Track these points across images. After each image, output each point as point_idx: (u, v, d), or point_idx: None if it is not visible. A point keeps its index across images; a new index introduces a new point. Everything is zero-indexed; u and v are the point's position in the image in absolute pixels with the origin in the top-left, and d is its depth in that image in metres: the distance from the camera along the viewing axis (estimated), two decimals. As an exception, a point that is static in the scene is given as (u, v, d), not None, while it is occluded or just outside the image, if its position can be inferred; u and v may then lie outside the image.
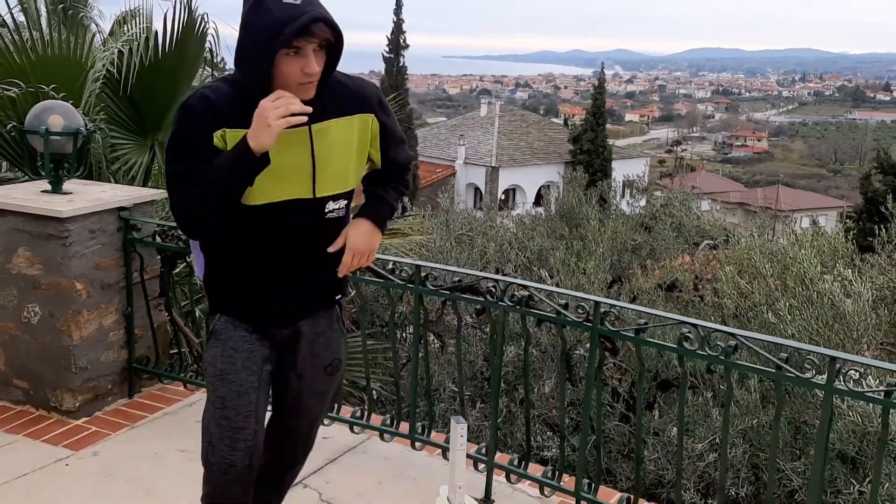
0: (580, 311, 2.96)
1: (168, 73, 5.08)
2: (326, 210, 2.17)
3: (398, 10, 36.37)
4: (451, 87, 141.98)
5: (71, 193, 3.79)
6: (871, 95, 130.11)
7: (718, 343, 2.66)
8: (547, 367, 5.66)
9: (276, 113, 1.94)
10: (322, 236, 2.21)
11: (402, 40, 36.23)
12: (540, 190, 36.98)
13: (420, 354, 3.45)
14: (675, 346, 2.74)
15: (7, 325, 3.75)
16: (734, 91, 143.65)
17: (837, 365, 2.44)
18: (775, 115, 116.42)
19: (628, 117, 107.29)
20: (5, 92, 4.29)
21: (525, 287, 3.09)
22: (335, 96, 2.14)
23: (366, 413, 3.65)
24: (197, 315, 4.78)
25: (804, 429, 4.89)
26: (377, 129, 2.25)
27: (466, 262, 6.50)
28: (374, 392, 3.99)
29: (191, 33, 5.10)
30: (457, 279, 3.25)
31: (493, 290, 3.15)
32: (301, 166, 2.11)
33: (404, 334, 6.41)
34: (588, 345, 3.04)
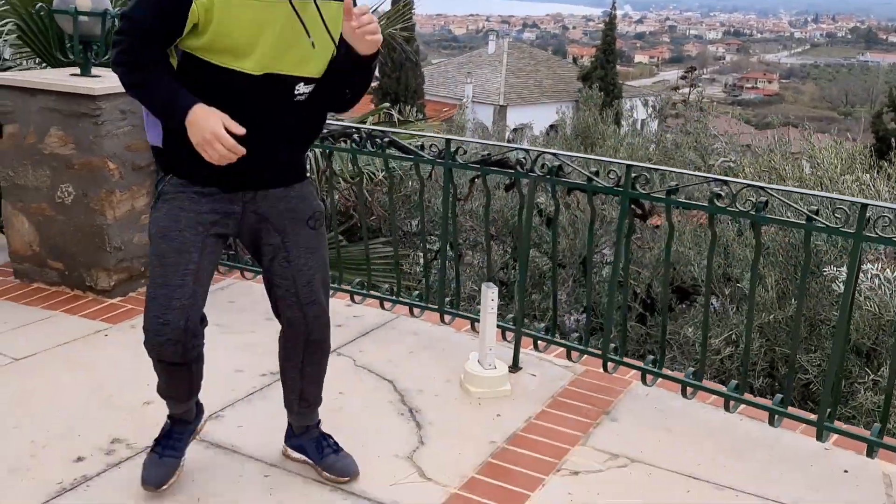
0: (611, 176, 3.01)
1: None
2: (297, 92, 2.11)
3: (405, -56, 35.62)
4: (457, 27, 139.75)
5: (101, 76, 3.82)
6: (884, 37, 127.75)
7: (750, 199, 2.70)
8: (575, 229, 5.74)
9: (214, 152, 1.98)
10: (287, 116, 2.14)
11: (408, -26, 35.56)
12: (549, 129, 36.80)
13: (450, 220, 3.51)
14: (707, 204, 2.78)
15: (41, 205, 3.81)
16: (745, 32, 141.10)
17: (868, 213, 2.48)
18: (787, 57, 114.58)
19: (638, 58, 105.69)
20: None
21: (556, 156, 3.13)
22: None
23: (395, 291, 3.74)
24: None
25: (820, 327, 4.97)
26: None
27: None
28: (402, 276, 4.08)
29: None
30: (486, 152, 3.29)
31: (523, 161, 3.19)
32: (293, 40, 2.03)
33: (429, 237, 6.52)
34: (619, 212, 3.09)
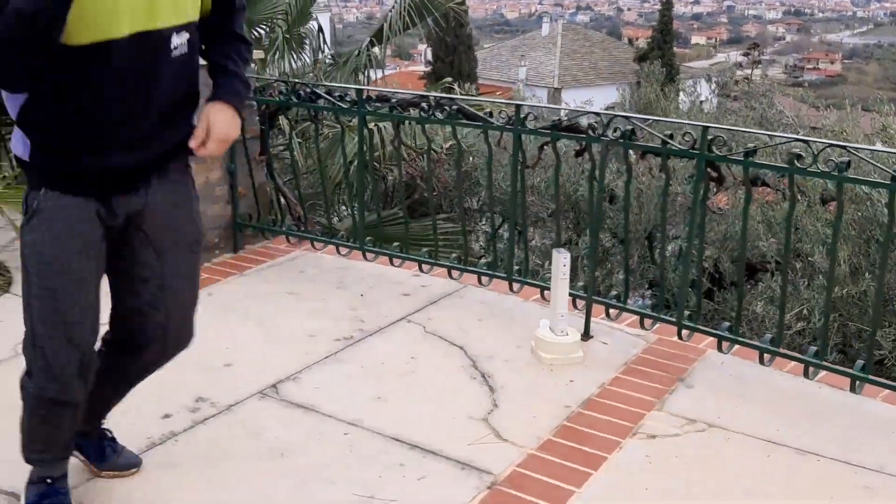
0: (686, 138, 2.96)
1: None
2: (172, 47, 1.81)
3: (458, -73, 35.45)
4: (510, 11, 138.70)
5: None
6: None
7: (831, 159, 2.64)
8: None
9: None
10: (168, 80, 1.83)
11: (461, -42, 35.41)
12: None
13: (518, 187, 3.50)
14: (787, 165, 2.73)
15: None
16: (806, 11, 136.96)
17: (960, 171, 2.40)
18: (849, 37, 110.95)
19: (695, 40, 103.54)
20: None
21: (628, 118, 3.09)
22: None
23: (463, 259, 3.75)
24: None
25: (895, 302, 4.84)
26: None
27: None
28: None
29: None
30: (556, 118, 3.27)
31: (594, 126, 3.17)
32: None
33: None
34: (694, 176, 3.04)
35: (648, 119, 3.11)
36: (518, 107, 3.30)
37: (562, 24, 41.48)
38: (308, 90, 3.78)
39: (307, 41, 5.90)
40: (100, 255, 1.91)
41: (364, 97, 3.66)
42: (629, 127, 3.06)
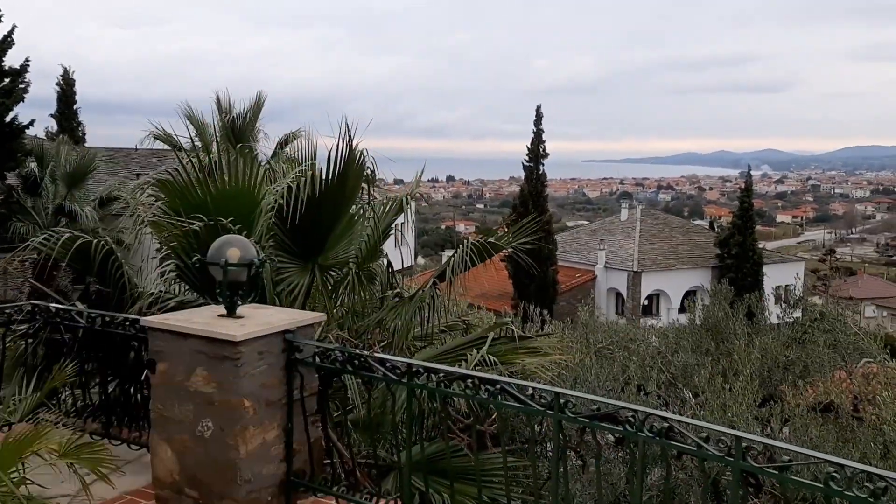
0: (721, 444, 2.97)
1: (330, 202, 5.59)
2: None
3: (538, 121, 37.37)
4: (591, 190, 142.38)
5: (243, 318, 4.21)
6: None
7: (867, 484, 2.60)
8: (693, 491, 5.51)
9: None
10: None
11: (541, 149, 37.06)
12: (685, 296, 36.08)
13: (560, 471, 3.52)
14: (822, 485, 2.69)
15: (183, 437, 4.14)
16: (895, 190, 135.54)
17: None
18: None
19: (780, 218, 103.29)
20: (191, 225, 4.85)
21: (665, 419, 3.14)
22: None
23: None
24: (347, 426, 5.06)
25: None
26: None
27: (607, 379, 6.50)
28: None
29: (351, 166, 5.61)
30: (595, 407, 3.34)
31: (631, 419, 3.22)
32: None
33: (543, 449, 6.43)
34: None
35: (684, 421, 3.14)
36: (557, 394, 3.39)
37: (641, 209, 42.18)
38: (362, 359, 3.99)
39: (377, 278, 6.23)
40: None
41: (413, 370, 3.83)
42: (665, 425, 3.10)
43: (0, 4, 17.70)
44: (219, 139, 16.26)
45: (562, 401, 3.39)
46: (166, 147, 19.37)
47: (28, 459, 3.87)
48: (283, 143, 17.53)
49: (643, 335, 9.24)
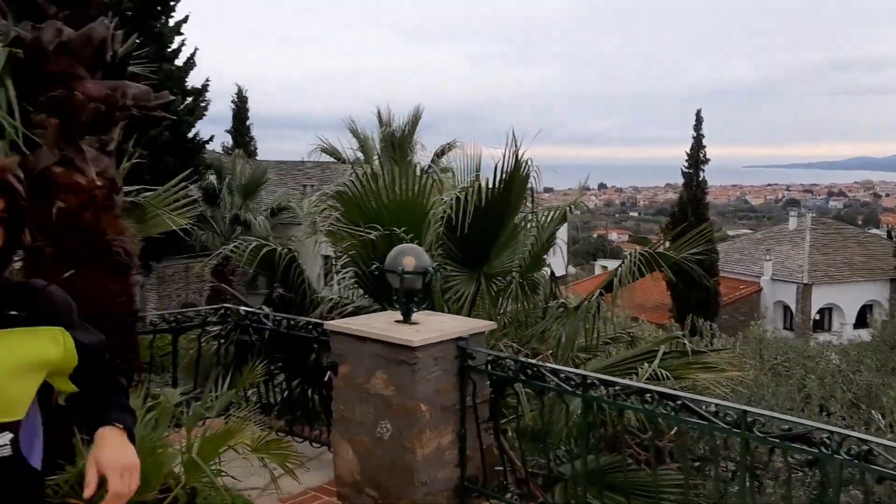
0: (932, 473, 2.76)
1: (496, 212, 5.66)
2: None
3: (698, 126, 36.04)
4: (754, 197, 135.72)
5: (418, 324, 4.35)
6: None
7: None
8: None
9: None
10: None
11: (702, 155, 35.69)
12: (862, 310, 33.60)
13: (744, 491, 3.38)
14: None
15: (363, 438, 4.32)
16: None
17: None
18: None
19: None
20: (367, 235, 5.06)
21: (864, 441, 2.95)
22: (9, 301, 1.76)
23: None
24: (509, 434, 5.09)
25: None
26: (71, 345, 1.83)
27: (785, 398, 6.17)
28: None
29: (517, 175, 5.66)
30: (786, 427, 3.19)
31: (827, 441, 3.05)
32: None
33: (711, 467, 6.19)
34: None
35: (885, 444, 2.94)
36: (744, 412, 3.27)
37: (811, 218, 39.71)
38: (535, 369, 4.01)
39: (540, 288, 6.24)
40: None
41: (588, 381, 3.81)
42: (864, 448, 2.92)
43: (183, 30, 19.19)
44: (380, 151, 16.89)
45: (749, 419, 3.26)
46: (331, 160, 20.31)
47: (223, 453, 4.17)
48: (439, 154, 17.97)
49: (821, 351, 8.70)
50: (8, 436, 1.74)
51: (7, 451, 1.73)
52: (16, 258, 4.01)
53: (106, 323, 3.86)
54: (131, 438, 1.81)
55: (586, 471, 4.05)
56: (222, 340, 5.61)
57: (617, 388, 3.76)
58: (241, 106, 31.97)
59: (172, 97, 3.99)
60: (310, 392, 5.71)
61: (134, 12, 16.07)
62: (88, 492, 1.65)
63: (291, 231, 18.93)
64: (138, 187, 4.41)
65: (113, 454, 1.72)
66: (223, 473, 4.16)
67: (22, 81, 3.54)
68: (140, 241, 4.11)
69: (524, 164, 5.76)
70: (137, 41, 4.18)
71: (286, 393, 5.60)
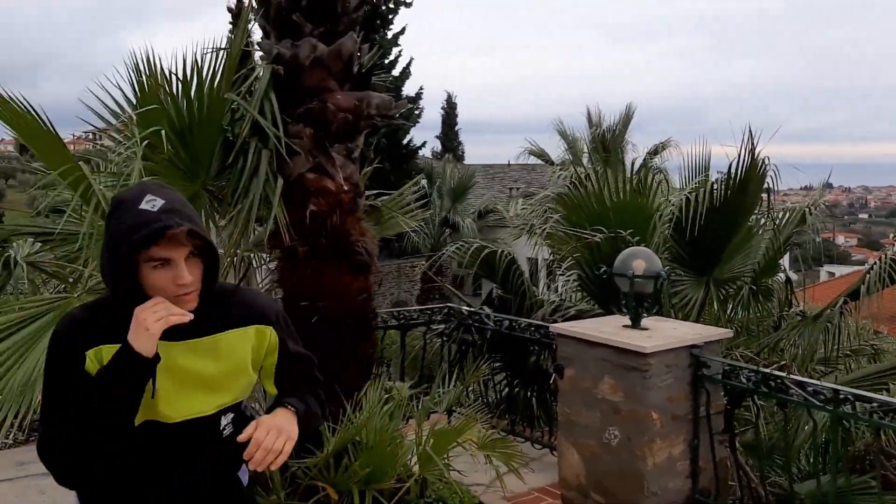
0: None
1: (728, 213, 5.39)
2: (222, 426, 1.95)
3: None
4: None
5: (648, 329, 4.23)
6: None
7: None
8: None
9: (155, 316, 1.74)
10: (218, 458, 1.95)
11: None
12: None
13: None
14: None
15: (589, 442, 4.27)
16: None
17: None
18: None
19: None
20: (592, 238, 5.01)
21: None
22: (226, 306, 1.94)
23: None
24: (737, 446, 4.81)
25: None
26: (275, 343, 2.01)
27: None
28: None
29: (753, 175, 5.36)
30: None
31: None
32: (197, 379, 1.88)
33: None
34: None
35: None
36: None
37: None
38: (778, 381, 3.77)
39: (773, 295, 5.89)
40: None
41: (840, 396, 3.52)
42: None
43: (400, 41, 20.12)
44: (589, 152, 16.69)
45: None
46: (539, 161, 20.37)
47: (452, 448, 4.29)
48: (652, 153, 17.46)
49: None
50: (230, 416, 1.96)
51: (230, 430, 1.95)
52: (271, 257, 4.38)
53: (348, 320, 4.16)
54: (300, 422, 1.93)
55: (836, 490, 3.74)
56: (445, 338, 5.78)
57: (874, 404, 3.45)
58: (450, 112, 32.99)
59: (410, 105, 4.16)
60: (528, 393, 5.75)
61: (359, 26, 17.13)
62: (243, 437, 1.80)
63: (497, 233, 19.22)
64: (376, 191, 4.65)
65: (275, 419, 1.87)
66: (451, 468, 4.29)
67: (281, 95, 3.85)
68: (378, 243, 4.33)
69: (761, 162, 5.44)
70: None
71: (505, 392, 5.67)
